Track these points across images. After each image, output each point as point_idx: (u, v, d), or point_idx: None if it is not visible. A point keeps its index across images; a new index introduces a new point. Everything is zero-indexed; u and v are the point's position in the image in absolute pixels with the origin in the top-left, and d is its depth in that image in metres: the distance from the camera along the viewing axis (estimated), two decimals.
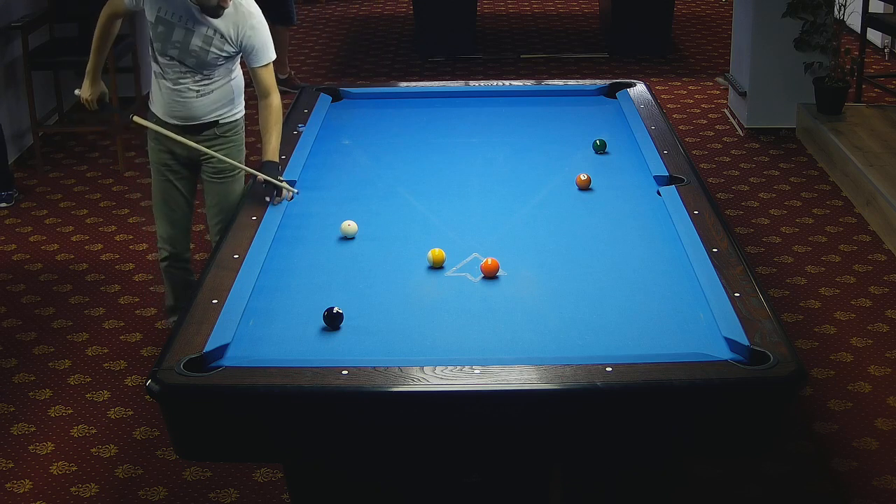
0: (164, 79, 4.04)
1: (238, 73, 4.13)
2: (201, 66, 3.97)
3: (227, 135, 4.13)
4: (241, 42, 3.94)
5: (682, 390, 2.61)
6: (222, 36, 3.92)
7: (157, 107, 4.13)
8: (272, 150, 3.91)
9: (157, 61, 4.03)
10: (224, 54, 3.96)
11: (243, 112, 4.22)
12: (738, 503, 3.63)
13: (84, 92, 4.19)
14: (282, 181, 3.77)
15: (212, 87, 4.02)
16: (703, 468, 3.74)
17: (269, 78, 4.01)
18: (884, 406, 4.11)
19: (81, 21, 6.94)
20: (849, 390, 4.21)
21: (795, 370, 2.64)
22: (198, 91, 4.02)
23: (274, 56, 4.02)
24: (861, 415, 4.06)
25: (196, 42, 3.92)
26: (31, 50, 6.39)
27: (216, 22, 3.90)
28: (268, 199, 3.70)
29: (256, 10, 3.99)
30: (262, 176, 3.73)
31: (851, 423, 4.01)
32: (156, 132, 4.08)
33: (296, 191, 3.81)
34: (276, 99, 4.00)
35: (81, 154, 6.81)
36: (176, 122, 4.08)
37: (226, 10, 3.87)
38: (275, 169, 3.81)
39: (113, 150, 6.73)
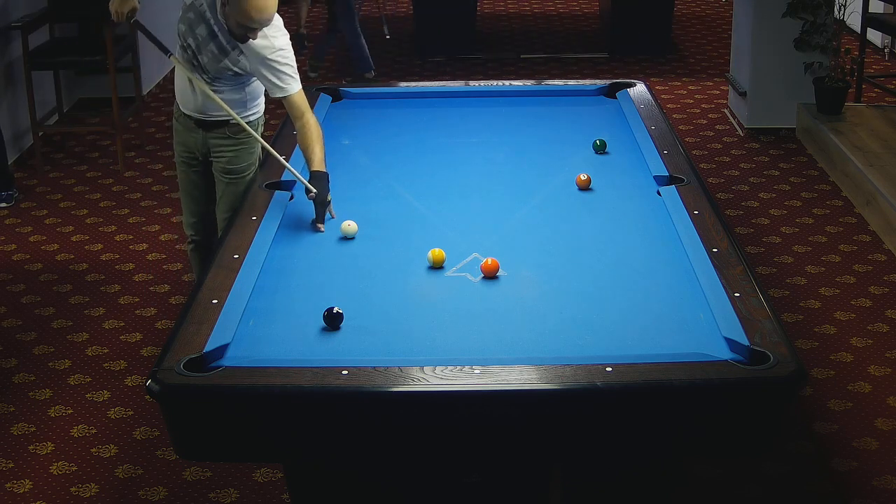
0: (181, 64, 3.94)
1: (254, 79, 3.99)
2: (211, 69, 3.88)
3: (239, 136, 4.01)
4: (255, 73, 3.85)
5: (682, 390, 2.60)
6: (241, 53, 3.82)
7: (176, 94, 4.09)
8: (318, 161, 3.75)
9: (178, 46, 3.94)
10: (236, 69, 3.86)
11: (259, 115, 4.12)
12: (738, 503, 3.63)
13: (114, 3, 3.86)
14: (329, 200, 3.64)
15: (221, 88, 3.94)
16: (703, 468, 3.74)
17: (297, 102, 3.85)
18: (884, 406, 4.11)
19: (81, 21, 6.94)
20: (849, 390, 4.20)
21: (795, 370, 2.64)
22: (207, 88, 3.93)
23: (297, 87, 3.86)
24: (861, 415, 4.06)
25: (215, 46, 3.83)
26: (31, 50, 6.38)
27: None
28: (318, 225, 3.59)
29: (280, 44, 3.81)
30: (313, 190, 3.61)
31: (851, 423, 4.01)
32: (182, 104, 4.05)
33: (334, 215, 3.68)
34: (312, 119, 3.85)
35: (81, 154, 6.81)
36: (189, 114, 4.05)
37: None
38: (324, 180, 3.69)
39: (113, 150, 6.74)
